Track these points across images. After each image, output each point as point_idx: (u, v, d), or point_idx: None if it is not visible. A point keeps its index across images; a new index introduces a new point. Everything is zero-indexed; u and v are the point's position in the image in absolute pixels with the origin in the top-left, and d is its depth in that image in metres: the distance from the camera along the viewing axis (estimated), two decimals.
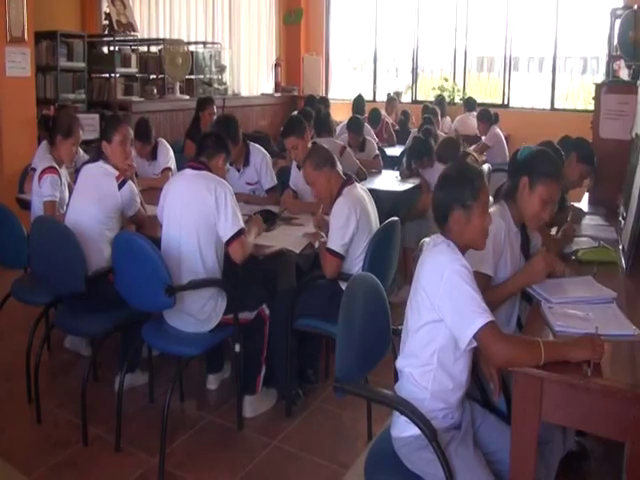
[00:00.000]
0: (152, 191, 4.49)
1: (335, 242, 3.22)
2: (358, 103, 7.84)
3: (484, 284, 2.34)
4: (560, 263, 2.55)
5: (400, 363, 2.19)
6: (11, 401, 3.56)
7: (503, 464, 2.09)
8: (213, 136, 3.36)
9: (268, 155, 4.59)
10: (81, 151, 4.53)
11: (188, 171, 3.24)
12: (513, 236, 2.54)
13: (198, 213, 3.08)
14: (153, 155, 5.01)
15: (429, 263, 2.08)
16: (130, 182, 3.54)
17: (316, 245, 3.39)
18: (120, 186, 3.46)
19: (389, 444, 2.17)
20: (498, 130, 7.37)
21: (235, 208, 3.14)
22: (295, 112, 7.06)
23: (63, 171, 4.03)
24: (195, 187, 3.14)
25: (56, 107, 5.96)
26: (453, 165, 2.32)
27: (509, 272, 2.47)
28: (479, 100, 8.92)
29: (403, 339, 2.19)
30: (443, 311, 2.00)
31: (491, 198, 3.45)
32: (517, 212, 2.54)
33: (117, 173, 3.50)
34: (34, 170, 4.44)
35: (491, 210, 2.53)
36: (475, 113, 8.11)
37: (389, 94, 9.20)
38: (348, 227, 3.23)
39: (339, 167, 3.44)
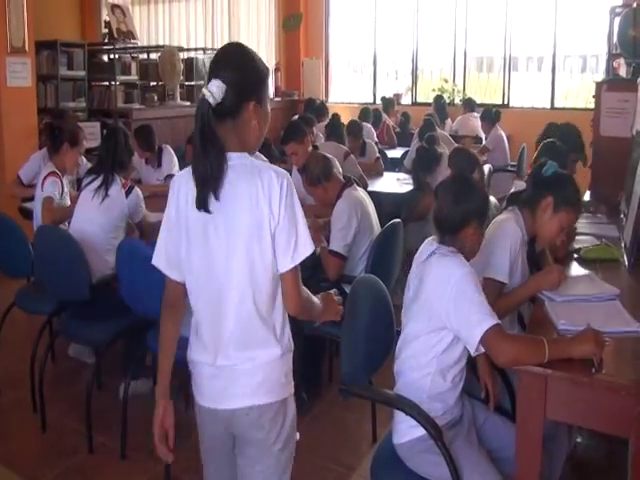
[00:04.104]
0: (156, 198, 4.51)
1: (337, 243, 3.22)
2: (365, 115, 7.61)
3: (498, 291, 2.34)
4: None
5: (397, 367, 2.19)
6: (16, 410, 3.57)
7: (508, 463, 2.08)
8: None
9: (266, 161, 4.58)
10: (84, 159, 4.55)
11: None
12: (523, 245, 2.50)
13: None
14: (158, 162, 5.05)
15: (435, 272, 2.05)
16: (137, 189, 3.58)
17: (317, 251, 3.39)
18: (127, 194, 3.48)
19: (394, 447, 2.16)
20: (500, 132, 7.36)
21: None
22: (295, 116, 7.05)
23: (65, 180, 4.03)
24: None
25: (53, 115, 5.96)
26: (464, 179, 2.29)
27: (518, 280, 2.45)
28: (479, 100, 8.93)
29: (400, 343, 2.19)
30: (450, 317, 1.98)
31: (494, 199, 3.47)
32: (531, 224, 2.49)
33: (124, 181, 3.53)
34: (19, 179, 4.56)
35: (504, 216, 2.52)
36: (475, 114, 8.11)
37: (383, 97, 9.20)
38: (350, 228, 3.23)
39: (338, 171, 3.44)
